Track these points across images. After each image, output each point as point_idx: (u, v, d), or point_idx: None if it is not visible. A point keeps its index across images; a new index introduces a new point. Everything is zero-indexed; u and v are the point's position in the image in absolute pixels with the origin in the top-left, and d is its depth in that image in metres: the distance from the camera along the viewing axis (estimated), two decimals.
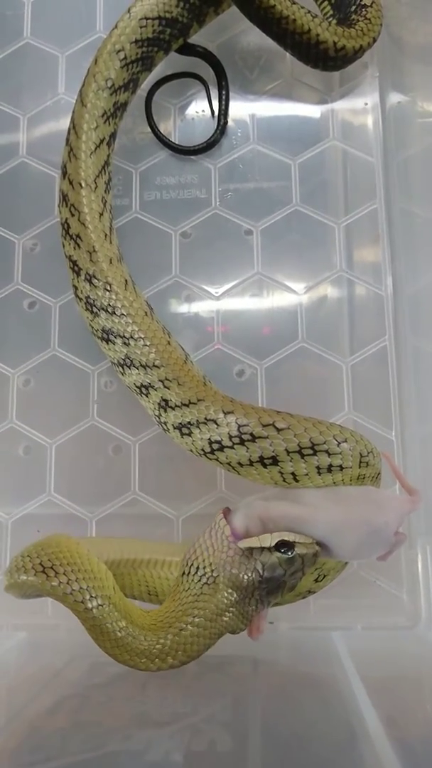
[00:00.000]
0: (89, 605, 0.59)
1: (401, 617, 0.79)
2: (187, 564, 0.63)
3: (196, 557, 0.63)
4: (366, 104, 0.94)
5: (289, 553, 0.60)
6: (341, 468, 0.63)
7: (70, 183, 0.76)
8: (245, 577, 0.60)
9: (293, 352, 0.87)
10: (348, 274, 0.89)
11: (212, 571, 0.61)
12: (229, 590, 0.60)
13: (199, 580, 0.61)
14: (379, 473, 0.69)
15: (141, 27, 0.79)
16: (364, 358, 0.87)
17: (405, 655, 0.79)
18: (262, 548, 0.61)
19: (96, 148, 0.76)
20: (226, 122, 0.92)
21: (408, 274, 0.88)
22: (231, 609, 0.60)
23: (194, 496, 0.84)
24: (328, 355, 0.87)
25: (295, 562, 0.60)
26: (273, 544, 0.61)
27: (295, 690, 0.70)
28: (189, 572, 0.62)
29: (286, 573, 0.60)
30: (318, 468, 0.62)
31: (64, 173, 0.78)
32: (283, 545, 0.61)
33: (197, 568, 0.62)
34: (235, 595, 0.60)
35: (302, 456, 0.62)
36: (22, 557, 0.62)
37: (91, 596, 0.59)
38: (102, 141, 0.77)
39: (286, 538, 0.61)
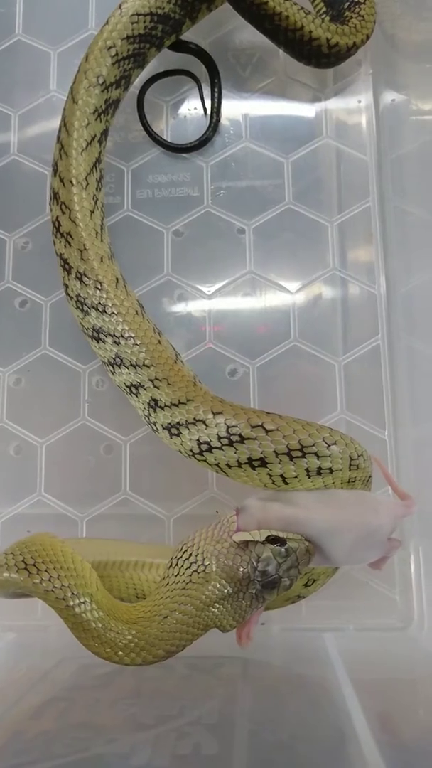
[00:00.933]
0: (71, 602, 0.59)
1: (394, 618, 0.79)
2: (179, 550, 0.63)
3: (191, 545, 0.62)
4: (359, 102, 0.94)
5: (282, 547, 0.60)
6: (331, 471, 0.62)
7: (61, 180, 0.75)
8: (240, 569, 0.59)
9: (286, 351, 0.87)
10: (341, 272, 0.89)
11: (204, 559, 0.61)
12: (222, 581, 0.59)
13: (189, 567, 0.61)
14: (369, 477, 0.68)
15: (132, 23, 0.79)
16: (357, 357, 0.86)
17: (397, 657, 0.78)
18: (256, 542, 0.60)
19: (87, 146, 0.75)
20: (218, 120, 0.92)
21: (401, 273, 0.87)
22: (222, 601, 0.59)
23: (186, 497, 0.84)
24: (321, 355, 0.86)
25: (288, 556, 0.60)
26: (263, 538, 0.60)
27: (284, 692, 0.69)
28: (180, 558, 0.62)
29: (280, 567, 0.59)
30: (307, 470, 0.62)
31: (55, 170, 0.77)
32: (274, 540, 0.61)
33: (189, 555, 0.62)
34: (228, 588, 0.59)
35: (291, 458, 0.61)
36: (5, 555, 0.62)
37: (73, 593, 0.59)
38: (93, 138, 0.76)
39: (277, 534, 0.61)
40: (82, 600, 0.59)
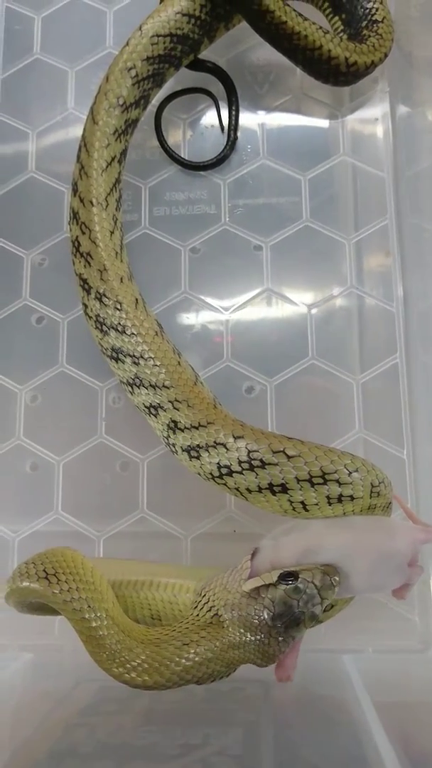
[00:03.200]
0: (87, 615, 0.59)
1: (413, 640, 0.78)
2: (200, 595, 0.62)
3: (209, 591, 0.62)
4: (376, 119, 0.94)
5: (293, 582, 0.59)
6: (352, 498, 0.62)
7: (81, 201, 0.75)
8: (254, 619, 0.59)
9: (303, 369, 0.87)
10: (358, 290, 0.88)
11: (218, 610, 0.61)
12: (241, 630, 0.59)
13: (209, 611, 0.61)
14: (390, 503, 0.68)
15: (152, 44, 0.79)
16: (375, 375, 0.86)
17: (417, 679, 0.77)
18: (268, 585, 0.60)
19: (107, 166, 0.76)
20: (236, 137, 0.92)
21: (419, 291, 0.87)
22: (244, 647, 0.59)
23: (203, 515, 0.83)
24: (338, 373, 0.86)
25: (304, 591, 0.59)
26: (275, 579, 0.60)
27: (306, 715, 0.69)
28: (200, 602, 0.62)
29: (299, 603, 0.58)
30: (328, 498, 0.61)
31: (75, 190, 0.78)
32: (286, 576, 0.60)
33: (208, 600, 0.62)
34: (247, 636, 0.59)
35: (312, 485, 0.61)
36: (26, 564, 0.63)
37: (90, 606, 0.59)
38: (113, 159, 0.77)
39: (288, 570, 0.60)
40: (98, 614, 0.59)
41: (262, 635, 0.58)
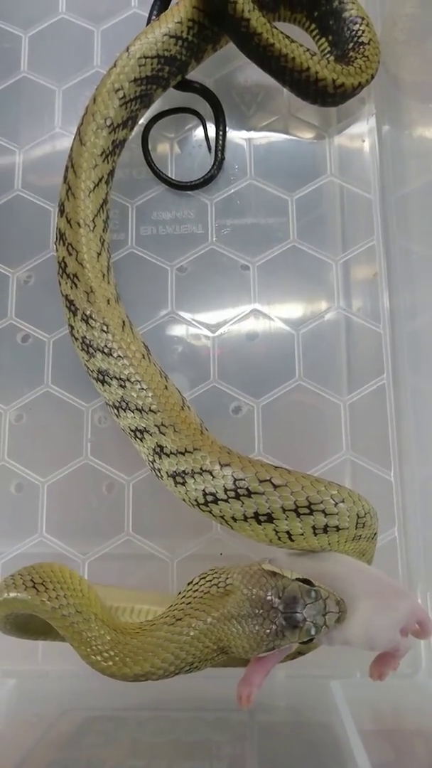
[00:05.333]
0: (75, 620, 0.59)
1: (402, 665, 0.77)
2: (203, 574, 0.63)
3: (217, 569, 0.62)
4: (363, 140, 0.94)
5: (308, 586, 0.59)
6: (337, 529, 0.62)
7: (68, 222, 0.75)
8: (261, 591, 0.58)
9: (290, 389, 0.86)
10: (345, 311, 0.88)
11: (227, 578, 0.61)
12: (243, 598, 0.59)
13: (210, 581, 0.61)
14: (375, 533, 0.68)
15: (140, 66, 0.79)
16: (362, 396, 0.86)
17: (405, 704, 0.77)
18: (284, 576, 0.59)
19: (95, 187, 0.75)
20: (223, 158, 0.92)
21: (406, 312, 0.87)
22: (239, 619, 0.58)
23: (189, 537, 0.83)
24: (325, 394, 0.86)
25: (315, 600, 0.58)
26: (294, 577, 0.59)
27: (292, 742, 0.68)
28: (202, 577, 0.62)
29: (304, 606, 0.57)
30: (314, 528, 0.61)
31: (62, 211, 0.77)
32: (304, 580, 0.60)
33: (214, 574, 0.62)
34: (247, 607, 0.58)
35: (298, 515, 0.60)
36: (12, 576, 0.63)
37: (78, 611, 0.59)
38: (101, 180, 0.76)
39: (307, 578, 0.60)
40: (86, 617, 0.59)
41: (260, 612, 0.58)
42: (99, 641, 0.58)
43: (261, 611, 0.58)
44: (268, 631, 0.58)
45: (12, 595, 0.60)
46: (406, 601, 0.64)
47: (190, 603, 0.61)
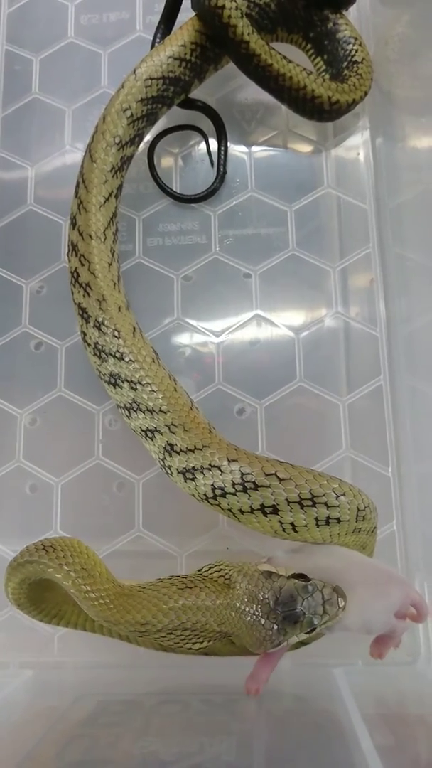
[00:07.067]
0: (82, 576, 0.62)
1: (401, 653, 0.81)
2: (209, 564, 0.66)
3: (221, 563, 0.66)
4: (358, 154, 0.99)
5: (304, 581, 0.62)
6: (339, 521, 0.65)
7: (80, 234, 0.79)
8: (260, 594, 0.62)
9: (292, 391, 0.90)
10: (344, 316, 0.92)
11: (230, 572, 0.64)
12: (243, 594, 0.62)
13: (216, 571, 0.64)
14: (374, 528, 0.71)
15: (146, 87, 0.84)
16: (360, 397, 0.90)
17: (406, 691, 0.80)
18: (280, 575, 0.63)
19: (105, 201, 0.80)
20: (225, 172, 0.96)
21: (402, 316, 0.91)
22: (241, 614, 0.61)
23: (197, 533, 0.86)
24: (325, 394, 0.90)
25: (311, 594, 0.61)
26: (289, 574, 0.63)
27: (298, 728, 0.71)
28: (209, 567, 0.66)
29: (302, 602, 0.61)
30: (317, 520, 0.64)
31: (74, 224, 0.82)
32: (299, 576, 0.63)
33: (219, 566, 0.65)
34: (249, 605, 0.61)
35: (302, 507, 0.64)
36: (27, 546, 0.67)
37: (84, 568, 0.63)
38: (110, 194, 0.81)
39: (302, 573, 0.63)
40: (92, 573, 0.63)
41: (261, 612, 0.61)
42: (103, 593, 0.61)
43: (260, 610, 0.61)
44: (270, 632, 0.61)
45: (25, 558, 0.65)
46: (399, 585, 0.67)
47: (200, 580, 0.64)
